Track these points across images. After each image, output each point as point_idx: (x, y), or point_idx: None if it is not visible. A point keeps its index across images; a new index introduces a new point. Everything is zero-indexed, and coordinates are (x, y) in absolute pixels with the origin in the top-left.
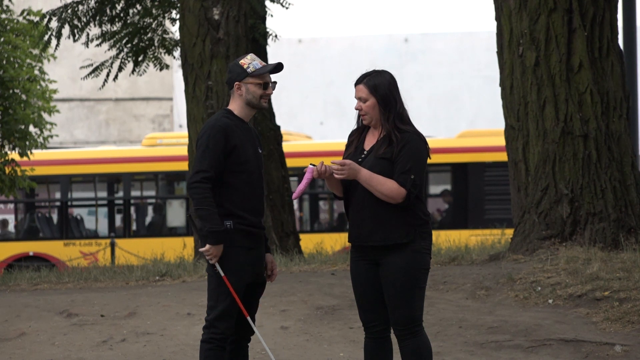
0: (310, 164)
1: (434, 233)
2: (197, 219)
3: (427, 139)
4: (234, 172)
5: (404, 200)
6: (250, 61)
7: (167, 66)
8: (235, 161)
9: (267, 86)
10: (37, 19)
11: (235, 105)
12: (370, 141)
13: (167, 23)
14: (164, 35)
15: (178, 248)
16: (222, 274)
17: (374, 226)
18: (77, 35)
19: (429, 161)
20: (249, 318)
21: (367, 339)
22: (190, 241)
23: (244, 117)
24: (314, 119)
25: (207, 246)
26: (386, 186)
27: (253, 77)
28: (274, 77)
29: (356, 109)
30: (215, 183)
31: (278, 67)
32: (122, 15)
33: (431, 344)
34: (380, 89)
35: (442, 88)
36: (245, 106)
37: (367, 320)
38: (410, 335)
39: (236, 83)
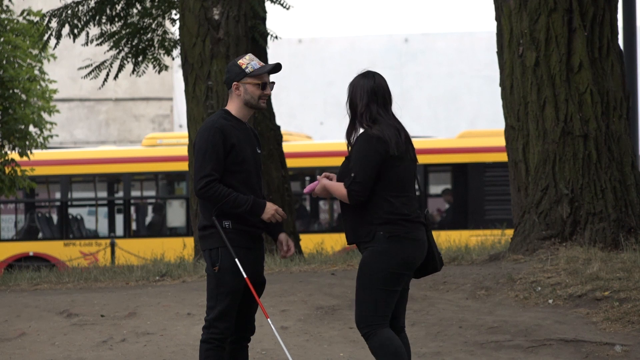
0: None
1: (434, 233)
2: (219, 221)
3: (427, 139)
4: (232, 172)
5: (350, 198)
6: (248, 61)
7: (166, 67)
8: (233, 161)
9: (266, 86)
10: (37, 19)
11: (233, 106)
12: None
13: (167, 23)
14: (164, 36)
15: (178, 248)
16: (241, 266)
17: (346, 226)
18: (77, 35)
19: (428, 161)
20: (269, 320)
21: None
22: (190, 241)
23: (242, 117)
24: (314, 119)
25: (267, 217)
26: (335, 187)
27: (251, 77)
28: (272, 77)
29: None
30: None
31: (276, 68)
32: (122, 15)
33: (431, 344)
34: (348, 92)
35: (442, 88)
36: (243, 106)
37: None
38: (364, 337)
39: (234, 83)
